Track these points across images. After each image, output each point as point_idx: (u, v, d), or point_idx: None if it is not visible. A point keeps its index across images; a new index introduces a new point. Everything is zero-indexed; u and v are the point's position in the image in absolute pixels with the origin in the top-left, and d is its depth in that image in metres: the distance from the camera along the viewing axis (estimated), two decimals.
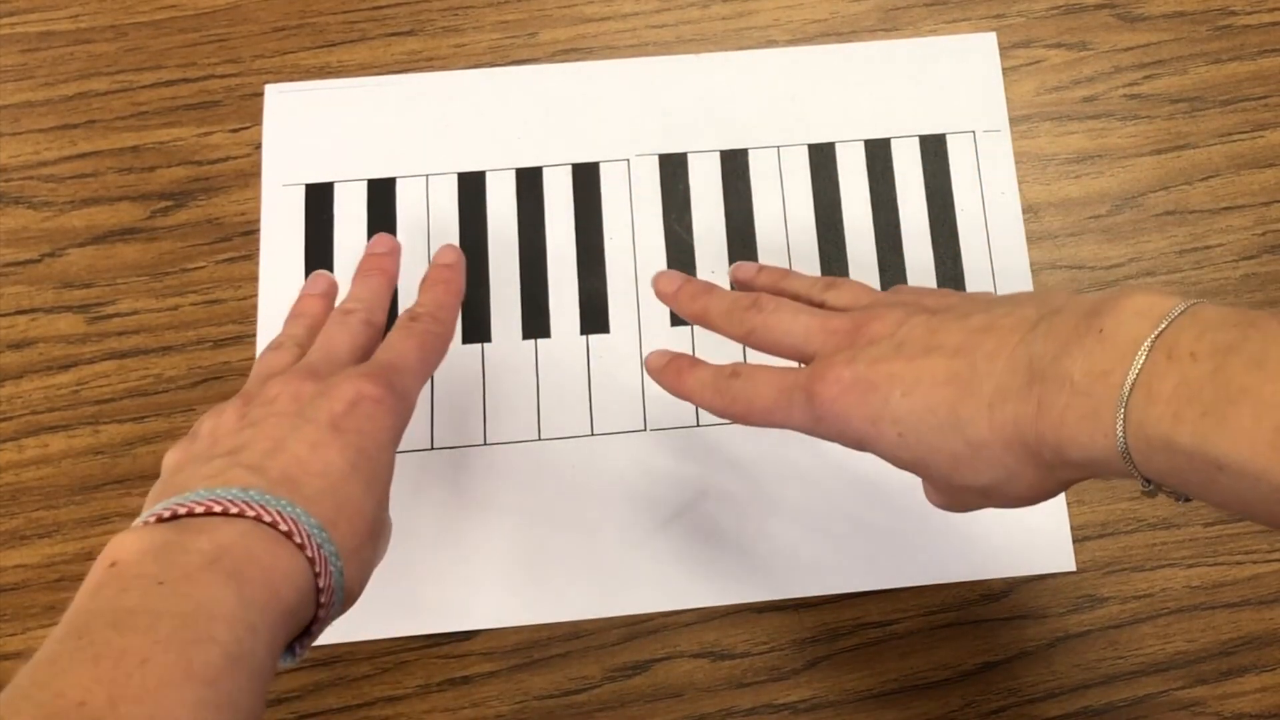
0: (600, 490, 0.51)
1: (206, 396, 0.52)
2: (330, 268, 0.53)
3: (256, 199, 0.54)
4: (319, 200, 0.54)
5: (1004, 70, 0.56)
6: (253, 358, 0.52)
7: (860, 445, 0.36)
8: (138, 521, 0.32)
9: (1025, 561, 0.50)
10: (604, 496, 0.51)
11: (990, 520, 0.50)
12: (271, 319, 0.53)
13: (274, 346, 0.42)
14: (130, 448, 0.51)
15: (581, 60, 0.57)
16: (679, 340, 0.53)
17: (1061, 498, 0.50)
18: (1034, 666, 0.49)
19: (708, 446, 0.51)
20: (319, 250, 0.54)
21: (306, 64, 0.56)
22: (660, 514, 0.50)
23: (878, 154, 0.55)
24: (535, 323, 0.53)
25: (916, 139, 0.55)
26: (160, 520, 0.31)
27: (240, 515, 0.31)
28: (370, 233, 0.54)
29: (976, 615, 0.50)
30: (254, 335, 0.52)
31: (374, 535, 0.35)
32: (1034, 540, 0.50)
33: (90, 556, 0.50)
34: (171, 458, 0.37)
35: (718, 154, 0.55)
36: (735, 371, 0.39)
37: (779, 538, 0.50)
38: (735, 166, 0.55)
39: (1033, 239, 0.54)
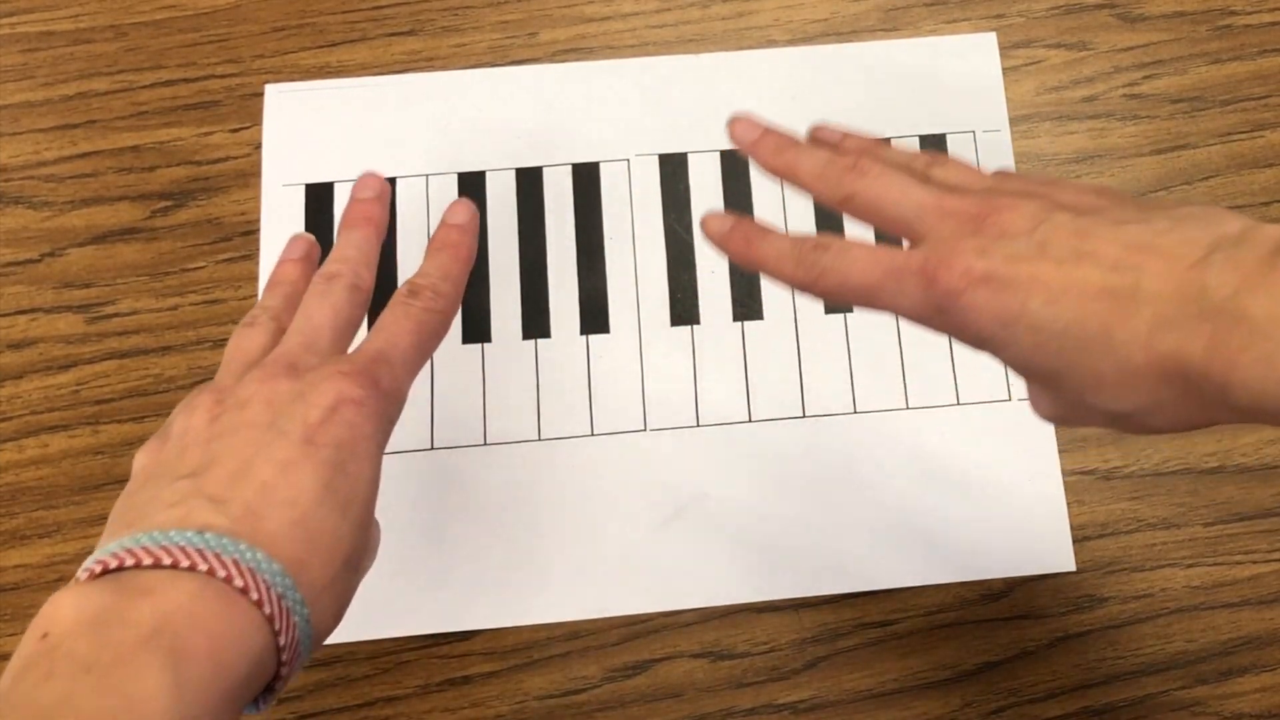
0: (600, 490, 0.51)
1: None
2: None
3: (256, 199, 0.54)
4: (319, 200, 0.54)
5: (1004, 70, 0.56)
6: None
7: (981, 346, 0.33)
8: (86, 566, 0.29)
9: (1025, 561, 0.50)
10: (604, 496, 0.51)
11: (990, 520, 0.50)
12: None
13: (248, 323, 0.38)
14: (130, 448, 0.51)
15: (581, 60, 0.57)
16: (679, 340, 0.53)
17: (1061, 498, 0.50)
18: (1034, 666, 0.49)
19: (708, 446, 0.51)
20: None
21: (306, 64, 0.56)
22: (660, 514, 0.50)
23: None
24: (535, 323, 0.53)
25: (917, 139, 0.55)
26: (106, 570, 0.29)
27: (192, 569, 0.28)
28: None
29: (976, 615, 0.50)
30: None
31: (352, 560, 0.33)
32: (1034, 540, 0.50)
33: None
34: (141, 459, 0.34)
35: (718, 154, 0.55)
36: (822, 244, 0.35)
37: (779, 538, 0.50)
38: (735, 166, 0.55)
39: None
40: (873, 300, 0.34)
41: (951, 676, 0.49)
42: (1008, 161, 0.55)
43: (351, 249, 0.40)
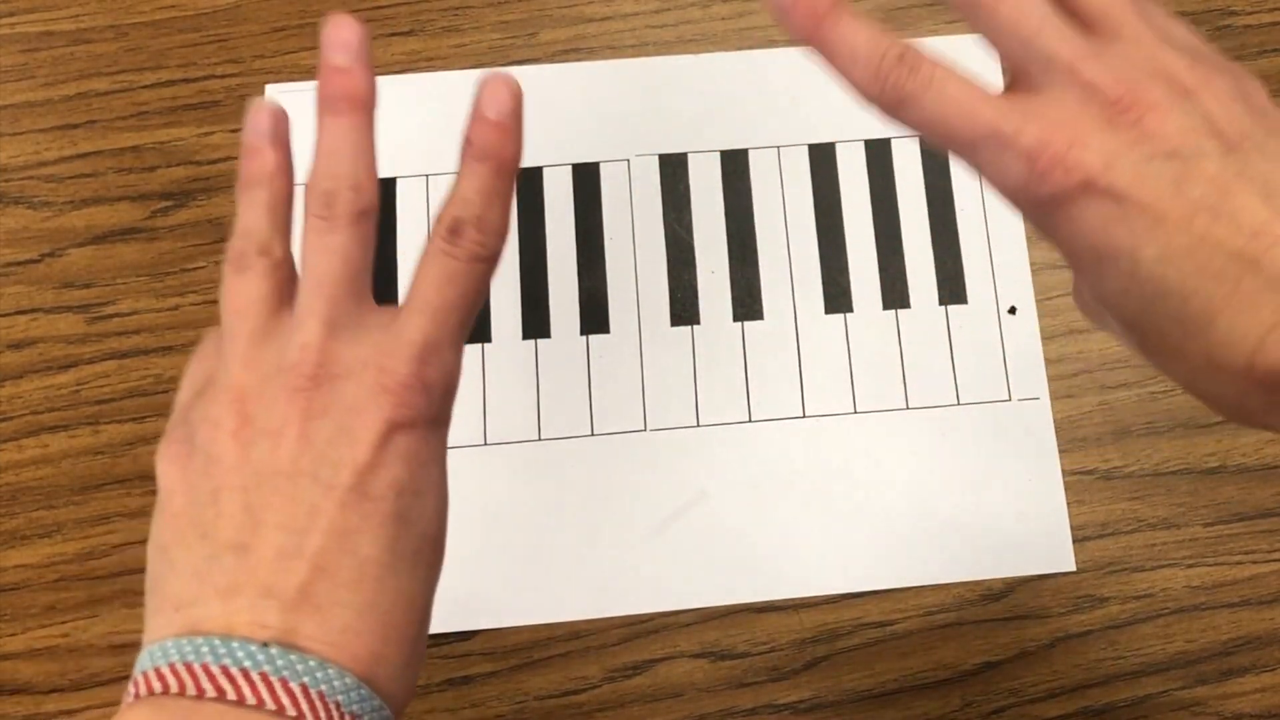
0: (600, 490, 0.51)
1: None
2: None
3: None
4: None
5: (1004, 70, 0.56)
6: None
7: (1065, 255, 0.28)
8: (143, 667, 0.27)
9: (1025, 561, 0.50)
10: (604, 496, 0.51)
11: (990, 520, 0.50)
12: None
13: (238, 264, 0.31)
14: (130, 448, 0.51)
15: (581, 60, 0.57)
16: (679, 340, 0.53)
17: (1061, 498, 0.50)
18: (1034, 666, 0.49)
19: (708, 446, 0.51)
20: None
21: (306, 64, 0.56)
22: (660, 514, 0.50)
23: (878, 154, 0.55)
24: (535, 323, 0.53)
25: (917, 139, 0.55)
26: (158, 693, 0.26)
27: (259, 706, 0.25)
28: None
29: (976, 615, 0.50)
30: None
31: (427, 614, 0.29)
32: (1034, 540, 0.50)
33: (91, 556, 0.50)
34: (168, 473, 0.30)
35: (718, 154, 0.55)
36: (907, 60, 0.28)
37: (779, 538, 0.50)
38: (735, 166, 0.55)
39: (1033, 239, 0.54)
40: (959, 155, 0.29)
41: (951, 676, 0.49)
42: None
43: (343, 151, 0.30)
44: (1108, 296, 0.28)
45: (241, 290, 0.30)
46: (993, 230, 0.54)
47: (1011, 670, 0.49)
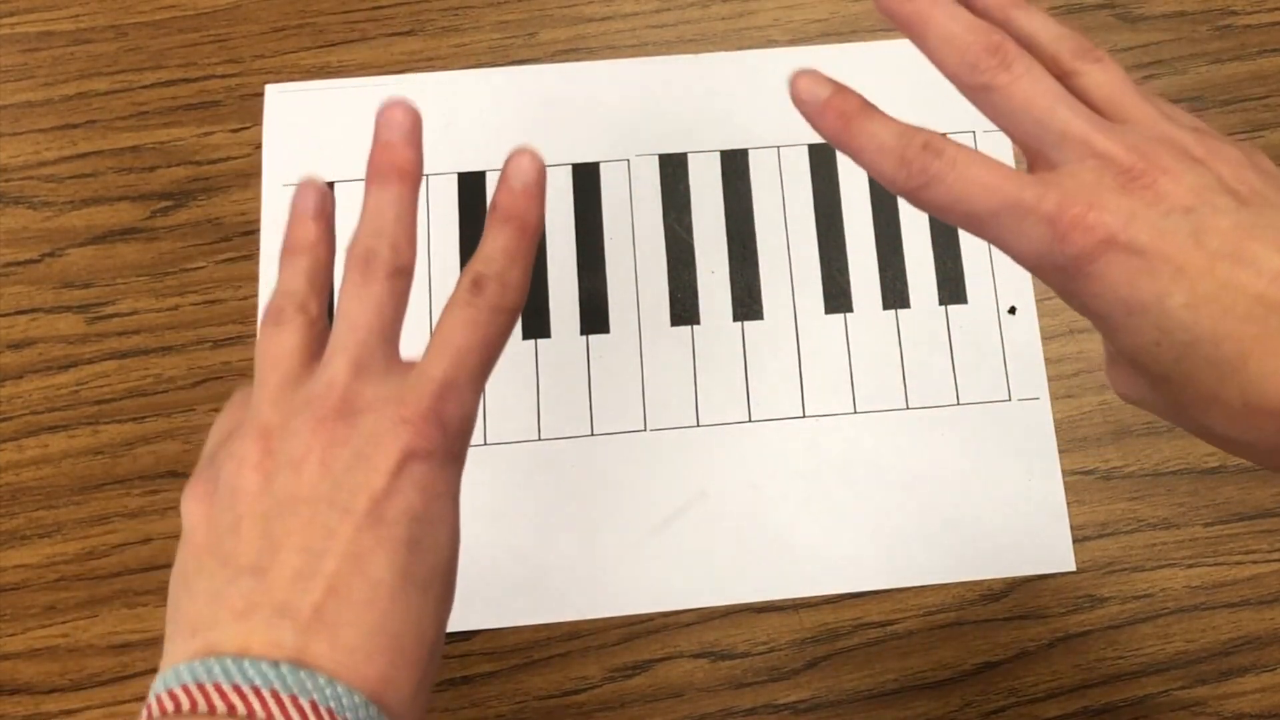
0: (600, 490, 0.51)
1: (206, 396, 0.52)
2: (331, 268, 0.53)
3: (256, 199, 0.54)
4: None
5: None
6: (253, 358, 0.52)
7: (1088, 317, 0.29)
8: (156, 690, 0.27)
9: (1025, 561, 0.50)
10: (604, 496, 0.51)
11: (990, 520, 0.50)
12: None
13: (275, 318, 0.33)
14: (130, 448, 0.51)
15: (581, 60, 0.57)
16: (679, 340, 0.53)
17: (1061, 498, 0.50)
18: (1034, 666, 0.49)
19: (708, 446, 0.51)
20: None
21: (306, 64, 0.56)
22: (660, 514, 0.50)
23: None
24: (535, 323, 0.53)
25: None
26: (172, 712, 0.27)
27: None
28: None
29: (976, 615, 0.50)
30: (254, 335, 0.52)
31: (440, 640, 0.30)
32: (1034, 540, 0.50)
33: (91, 556, 0.50)
34: (192, 511, 0.30)
35: (718, 154, 0.55)
36: (934, 146, 0.30)
37: (779, 538, 0.50)
38: (735, 166, 0.55)
39: None
40: (982, 230, 0.30)
41: (951, 676, 0.49)
42: (1007, 160, 0.55)
43: (386, 217, 0.33)
44: (1141, 352, 0.28)
45: (276, 341, 0.32)
46: None
47: (1011, 670, 0.49)
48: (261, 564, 0.28)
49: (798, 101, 0.33)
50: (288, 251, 0.34)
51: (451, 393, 0.30)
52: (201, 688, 0.26)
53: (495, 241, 0.33)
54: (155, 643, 0.49)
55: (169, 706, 0.27)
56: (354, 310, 0.32)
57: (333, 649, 0.27)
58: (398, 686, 0.28)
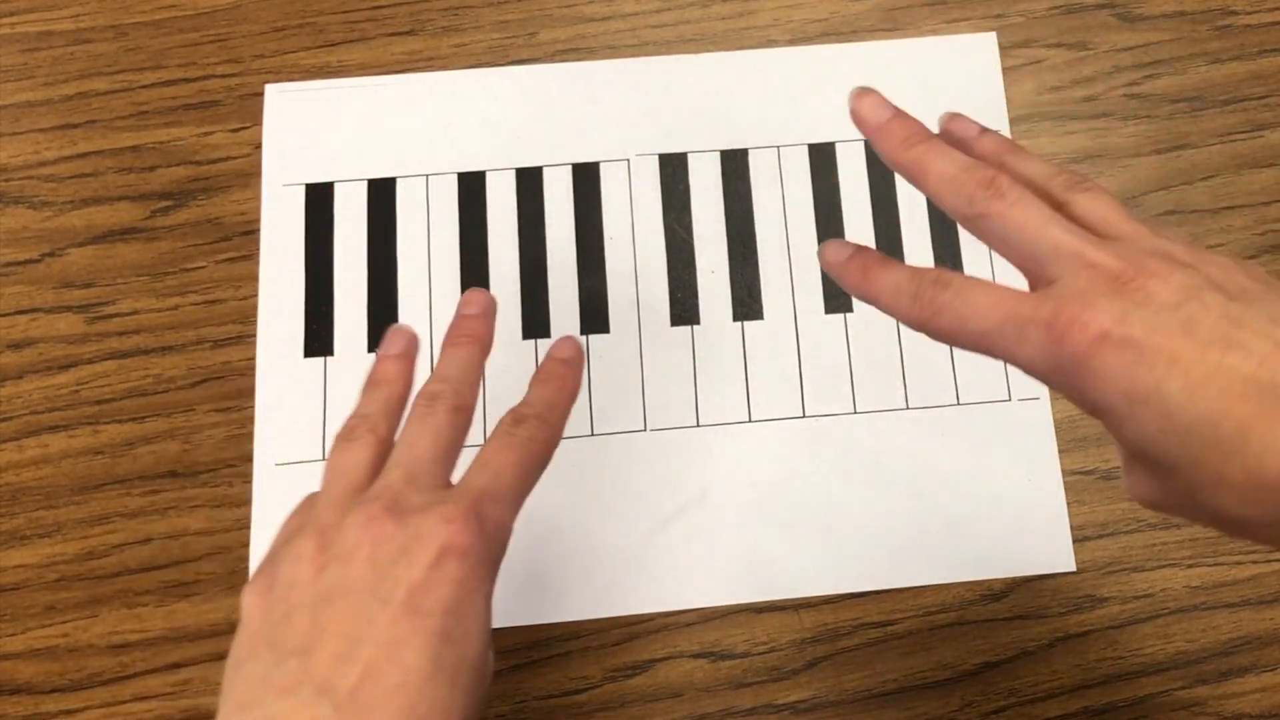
0: (600, 490, 0.51)
1: (206, 396, 0.52)
2: (330, 268, 0.53)
3: (256, 199, 0.54)
4: (319, 200, 0.54)
5: (1004, 70, 0.56)
6: (253, 358, 0.52)
7: (1098, 415, 0.31)
8: None
9: (1025, 561, 0.50)
10: (604, 496, 0.51)
11: (990, 520, 0.50)
12: (272, 319, 0.53)
13: (348, 435, 0.37)
14: (130, 448, 0.51)
15: (581, 60, 0.57)
16: (679, 340, 0.53)
17: (1061, 498, 0.50)
18: (1034, 666, 0.49)
19: (708, 446, 0.51)
20: (319, 250, 0.54)
21: (306, 64, 0.56)
22: (660, 514, 0.50)
23: (878, 154, 0.55)
24: (535, 323, 0.53)
25: None
26: None
27: None
28: (371, 233, 0.54)
29: (976, 615, 0.50)
30: (254, 335, 0.52)
31: None
32: (1034, 540, 0.50)
33: (91, 556, 0.50)
34: (250, 602, 0.33)
35: (718, 154, 0.55)
36: (942, 280, 0.33)
37: (779, 538, 0.50)
38: (735, 166, 0.55)
39: None
40: (987, 346, 0.32)
41: (951, 676, 0.49)
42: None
43: (455, 368, 0.39)
44: (1149, 443, 0.30)
45: (346, 454, 0.36)
46: None
47: (1011, 670, 0.49)
48: (307, 647, 0.31)
49: (858, 121, 0.37)
50: (371, 383, 0.39)
51: (489, 502, 0.34)
52: None
53: (538, 392, 0.39)
54: (155, 643, 0.49)
55: None
56: (415, 434, 0.36)
57: None
58: None
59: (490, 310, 0.41)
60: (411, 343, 0.41)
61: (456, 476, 0.36)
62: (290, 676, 0.31)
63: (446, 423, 0.37)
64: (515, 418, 0.38)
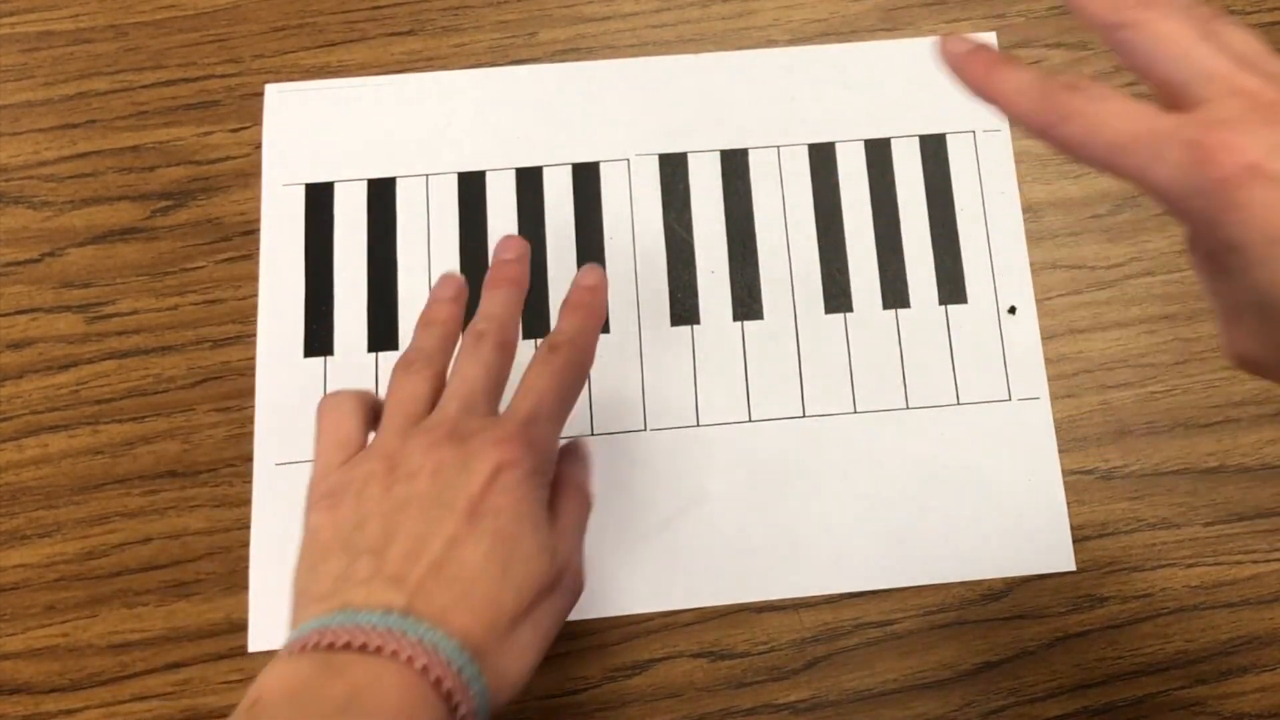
0: (601, 490, 0.50)
1: (206, 396, 0.52)
2: (330, 267, 0.53)
3: (256, 199, 0.54)
4: (319, 200, 0.54)
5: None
6: (253, 358, 0.52)
7: (1224, 254, 0.29)
8: (297, 635, 0.34)
9: (1025, 561, 0.50)
10: (605, 496, 0.50)
11: (990, 520, 0.50)
12: (271, 319, 0.53)
13: (406, 365, 0.41)
14: (130, 448, 0.51)
15: (581, 60, 0.57)
16: (680, 339, 0.53)
17: (1061, 498, 0.50)
18: (1034, 666, 0.49)
19: (708, 446, 0.51)
20: (319, 250, 0.54)
21: (306, 64, 0.56)
22: (660, 514, 0.50)
23: (878, 154, 0.55)
24: (536, 323, 0.53)
25: (916, 139, 0.55)
26: (314, 646, 0.33)
27: (379, 651, 0.32)
28: (371, 233, 0.54)
29: (976, 615, 0.50)
30: (254, 335, 0.52)
31: (519, 620, 0.36)
32: (1034, 540, 0.50)
33: (91, 556, 0.50)
34: (317, 520, 0.37)
35: (718, 154, 0.55)
36: (1075, 84, 0.30)
37: (779, 538, 0.50)
38: (735, 166, 0.55)
39: (1033, 239, 0.54)
40: (1118, 160, 0.29)
41: (951, 676, 0.49)
42: (1008, 161, 0.55)
43: (497, 307, 0.42)
44: (1268, 293, 0.28)
45: (406, 385, 0.40)
46: (993, 230, 0.54)
47: (1011, 670, 0.49)
48: (380, 547, 0.35)
49: (944, 54, 0.34)
50: (425, 322, 0.43)
51: (534, 423, 0.39)
52: (328, 630, 0.33)
53: (567, 319, 0.43)
54: (155, 642, 0.49)
55: (310, 642, 0.33)
56: (466, 368, 0.40)
57: (430, 607, 0.34)
58: (478, 641, 0.34)
59: (525, 255, 0.45)
60: (462, 288, 0.45)
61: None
62: (366, 570, 0.35)
63: (494, 358, 0.41)
64: (550, 345, 0.41)
